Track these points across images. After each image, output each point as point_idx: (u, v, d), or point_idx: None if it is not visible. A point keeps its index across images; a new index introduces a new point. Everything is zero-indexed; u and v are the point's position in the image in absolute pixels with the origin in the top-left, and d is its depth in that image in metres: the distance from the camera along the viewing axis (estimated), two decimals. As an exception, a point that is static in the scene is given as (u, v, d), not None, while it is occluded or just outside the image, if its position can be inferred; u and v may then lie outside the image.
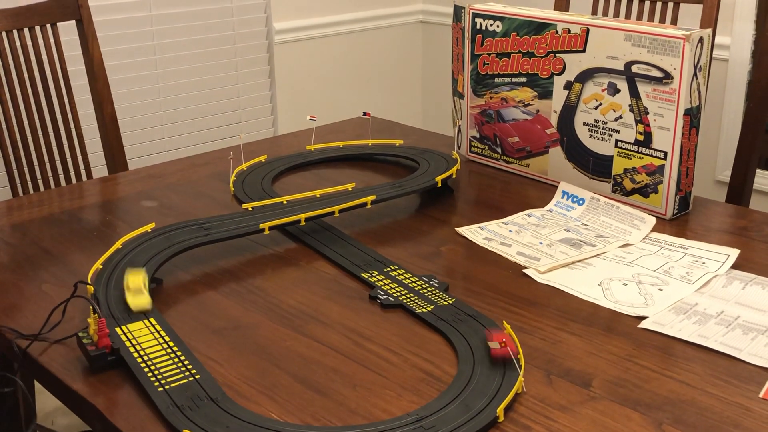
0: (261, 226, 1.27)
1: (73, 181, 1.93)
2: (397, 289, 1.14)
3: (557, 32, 1.47)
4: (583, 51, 1.44)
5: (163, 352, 0.97)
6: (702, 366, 0.96)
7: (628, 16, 2.03)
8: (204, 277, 1.22)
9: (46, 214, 1.45)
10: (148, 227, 1.25)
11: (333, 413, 0.88)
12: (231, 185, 1.54)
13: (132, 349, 0.97)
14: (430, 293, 1.13)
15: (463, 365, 0.95)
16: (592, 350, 0.99)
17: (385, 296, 1.12)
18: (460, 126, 1.71)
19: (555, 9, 2.11)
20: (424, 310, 1.08)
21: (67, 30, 1.95)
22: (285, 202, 1.37)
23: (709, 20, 1.89)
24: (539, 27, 1.50)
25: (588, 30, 1.43)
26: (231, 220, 1.29)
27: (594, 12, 2.07)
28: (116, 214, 1.46)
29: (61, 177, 1.92)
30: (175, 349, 0.98)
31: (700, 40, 1.31)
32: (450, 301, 1.10)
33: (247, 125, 2.85)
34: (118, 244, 1.19)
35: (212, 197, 1.52)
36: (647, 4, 1.99)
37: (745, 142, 1.67)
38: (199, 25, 2.64)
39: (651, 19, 1.99)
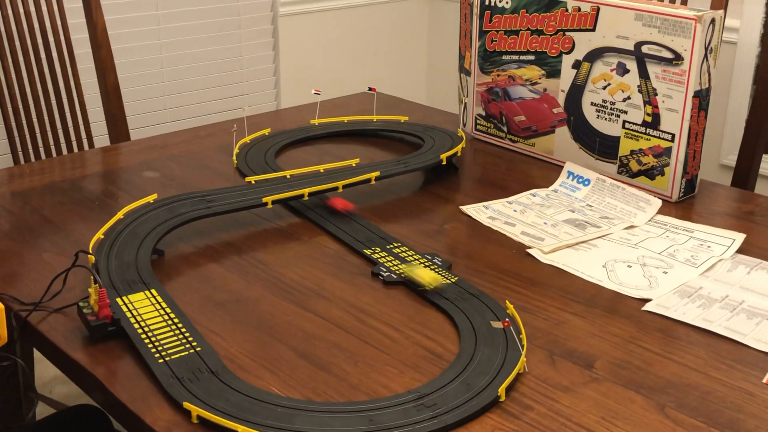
0: (264, 199, 1.26)
1: (75, 149, 1.91)
2: (400, 266, 1.13)
3: (567, 10, 1.45)
4: (593, 30, 1.42)
5: (164, 323, 0.97)
6: (705, 350, 0.95)
7: (637, -5, 2.00)
8: (206, 249, 1.21)
9: (47, 182, 1.44)
10: (150, 198, 1.24)
11: (334, 389, 0.88)
12: (234, 158, 1.53)
13: (132, 320, 0.97)
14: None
15: (465, 344, 0.94)
16: (595, 332, 0.99)
17: (388, 273, 1.11)
18: (465, 103, 1.70)
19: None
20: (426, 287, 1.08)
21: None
22: (288, 176, 1.36)
23: (720, 1, 1.86)
24: (549, 4, 1.48)
25: (598, 9, 1.41)
26: (234, 193, 1.28)
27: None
28: (118, 184, 1.45)
29: (63, 145, 1.90)
30: (176, 320, 0.97)
31: (712, 21, 1.30)
32: (453, 280, 1.10)
33: (250, 98, 2.83)
34: (120, 215, 1.19)
35: (215, 169, 1.50)
36: (658, -16, 1.97)
37: (753, 126, 1.66)
38: (204, -4, 2.62)
39: (661, -1, 1.97)
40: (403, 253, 1.17)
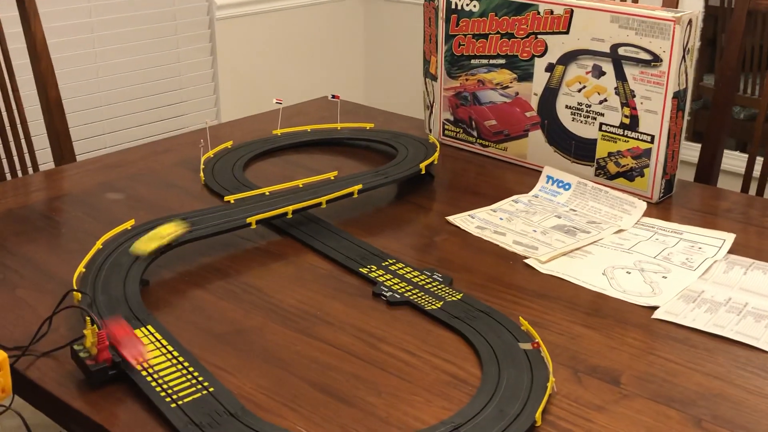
0: (248, 220, 1.21)
1: (18, 171, 1.80)
2: (400, 284, 1.10)
3: (539, 13, 1.44)
4: (567, 32, 1.41)
5: (168, 363, 0.90)
6: (724, 357, 0.95)
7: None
8: (189, 275, 1.14)
9: (3, 210, 1.34)
10: (128, 224, 1.16)
11: (364, 424, 0.83)
12: (201, 174, 1.46)
13: (134, 362, 0.90)
14: (435, 288, 1.09)
15: (488, 366, 0.92)
16: (612, 344, 0.98)
17: (390, 293, 1.08)
18: (432, 108, 1.67)
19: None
20: (433, 307, 1.04)
21: (4, 6, 1.81)
22: (267, 194, 1.30)
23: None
24: (519, 7, 1.46)
25: (572, 11, 1.40)
26: (215, 215, 1.22)
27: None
28: (81, 208, 1.36)
29: (5, 166, 1.79)
30: (180, 359, 0.91)
31: (690, 22, 1.30)
32: (458, 297, 1.07)
33: (189, 104, 2.74)
34: (98, 244, 1.11)
35: (182, 187, 1.43)
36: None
37: (715, 122, 1.68)
38: (138, 1, 2.51)
39: (612, -3, 1.98)
40: (401, 270, 1.13)
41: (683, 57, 1.31)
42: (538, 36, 1.45)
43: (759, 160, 1.69)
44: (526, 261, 1.18)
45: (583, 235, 1.26)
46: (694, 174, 1.73)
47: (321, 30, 3.10)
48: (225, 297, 1.09)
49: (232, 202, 1.27)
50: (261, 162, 1.57)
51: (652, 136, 1.35)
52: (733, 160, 2.35)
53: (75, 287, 1.00)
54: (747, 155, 1.70)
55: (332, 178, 1.36)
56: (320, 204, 1.28)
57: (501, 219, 1.31)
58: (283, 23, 2.96)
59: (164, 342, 0.94)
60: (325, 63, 3.15)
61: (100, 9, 2.43)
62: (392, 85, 3.24)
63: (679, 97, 1.33)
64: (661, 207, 1.37)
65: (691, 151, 1.66)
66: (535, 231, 1.27)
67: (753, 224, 1.31)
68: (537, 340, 0.91)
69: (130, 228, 1.16)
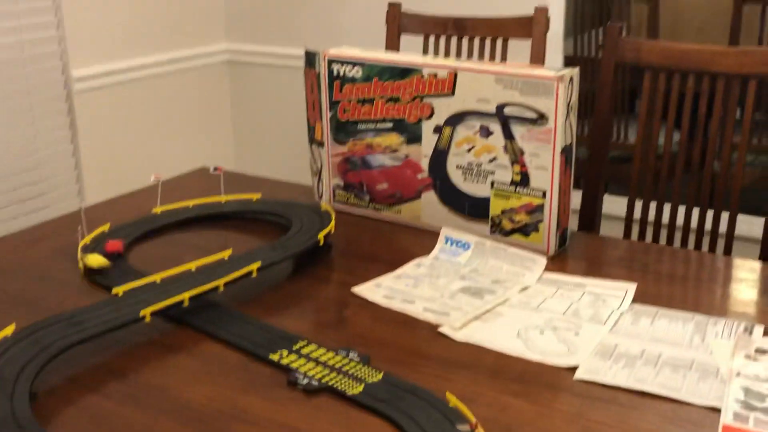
0: (141, 313, 1.12)
1: None
2: (315, 369, 1.04)
3: (423, 77, 1.44)
4: (452, 95, 1.42)
5: (74, 490, 0.81)
6: (651, 413, 0.95)
7: (458, 54, 2.05)
8: (81, 381, 1.04)
9: None
10: (8, 330, 1.05)
11: None
12: (80, 264, 1.35)
13: None
14: (353, 369, 1.04)
15: (423, 451, 0.87)
16: (543, 411, 0.96)
17: (307, 380, 1.02)
18: (320, 174, 1.63)
19: (387, 49, 2.10)
20: (355, 391, 0.99)
21: None
22: (159, 281, 1.22)
23: (538, 56, 1.95)
24: (403, 72, 1.46)
25: (456, 74, 1.41)
26: (103, 310, 1.13)
27: (425, 51, 2.08)
28: (-53, 313, 1.23)
29: None
30: (87, 483, 0.82)
31: (571, 79, 1.34)
32: (379, 377, 1.02)
33: (49, 184, 2.57)
34: (-24, 358, 0.99)
35: (61, 281, 1.32)
36: (476, 41, 2.03)
37: (593, 169, 1.73)
38: (-12, 77, 2.35)
39: (481, 56, 2.03)
40: (314, 353, 1.08)
41: (567, 113, 1.34)
42: (424, 99, 1.45)
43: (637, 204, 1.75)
44: (440, 330, 1.15)
45: (489, 296, 1.25)
46: (578, 221, 1.77)
47: (186, 98, 3.02)
48: (126, 402, 0.99)
49: (121, 294, 1.18)
50: (144, 244, 1.48)
51: (544, 192, 1.37)
52: (607, 203, 2.44)
53: (-46, 413, 0.88)
54: (624, 198, 1.76)
55: (226, 257, 1.29)
56: (218, 288, 1.21)
57: (407, 285, 1.29)
58: (146, 93, 2.85)
59: (66, 465, 0.84)
60: (193, 132, 3.07)
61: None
62: (264, 151, 3.19)
63: (566, 152, 1.36)
64: (558, 260, 1.38)
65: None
66: (442, 296, 1.25)
67: (647, 271, 1.35)
68: (474, 421, 0.88)
69: (11, 334, 1.05)
